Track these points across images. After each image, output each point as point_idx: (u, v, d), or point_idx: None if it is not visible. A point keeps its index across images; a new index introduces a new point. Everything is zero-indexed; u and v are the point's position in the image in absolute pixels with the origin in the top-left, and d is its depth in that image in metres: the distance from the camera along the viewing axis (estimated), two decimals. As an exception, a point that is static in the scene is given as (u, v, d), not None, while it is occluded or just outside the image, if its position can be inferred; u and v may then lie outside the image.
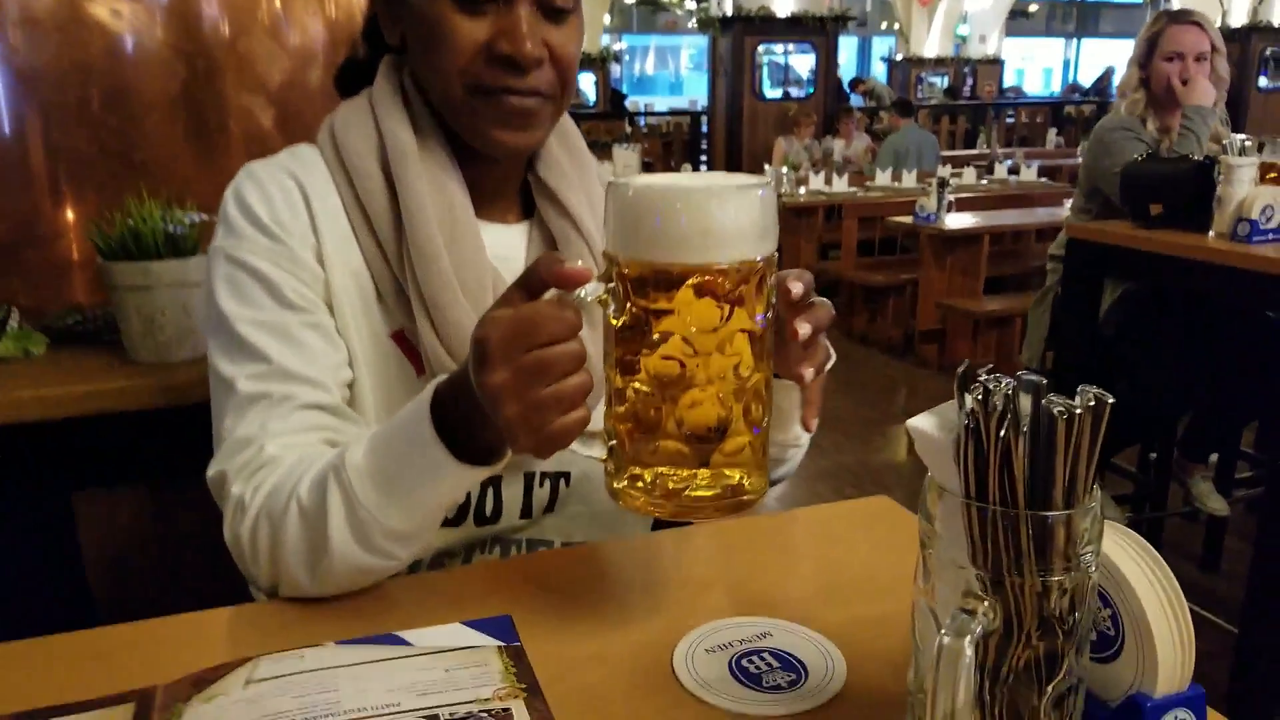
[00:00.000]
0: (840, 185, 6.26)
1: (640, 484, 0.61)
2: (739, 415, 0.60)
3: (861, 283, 5.52)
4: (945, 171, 6.10)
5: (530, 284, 0.62)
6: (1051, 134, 10.70)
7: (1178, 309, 2.47)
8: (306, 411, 0.79)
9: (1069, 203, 5.23)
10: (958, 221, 4.86)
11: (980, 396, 0.42)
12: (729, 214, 0.56)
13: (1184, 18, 2.64)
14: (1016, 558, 0.43)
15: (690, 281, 0.57)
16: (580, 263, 0.60)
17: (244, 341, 0.80)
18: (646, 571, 0.78)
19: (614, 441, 0.62)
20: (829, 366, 0.71)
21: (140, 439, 1.24)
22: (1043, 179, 6.76)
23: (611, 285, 0.59)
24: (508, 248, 0.91)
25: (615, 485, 0.63)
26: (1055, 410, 0.41)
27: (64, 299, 1.38)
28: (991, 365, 0.44)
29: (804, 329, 0.63)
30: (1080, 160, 2.92)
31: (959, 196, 5.23)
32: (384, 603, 0.73)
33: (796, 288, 0.63)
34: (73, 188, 1.36)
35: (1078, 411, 0.41)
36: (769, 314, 0.60)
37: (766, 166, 6.65)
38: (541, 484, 0.90)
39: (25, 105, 1.32)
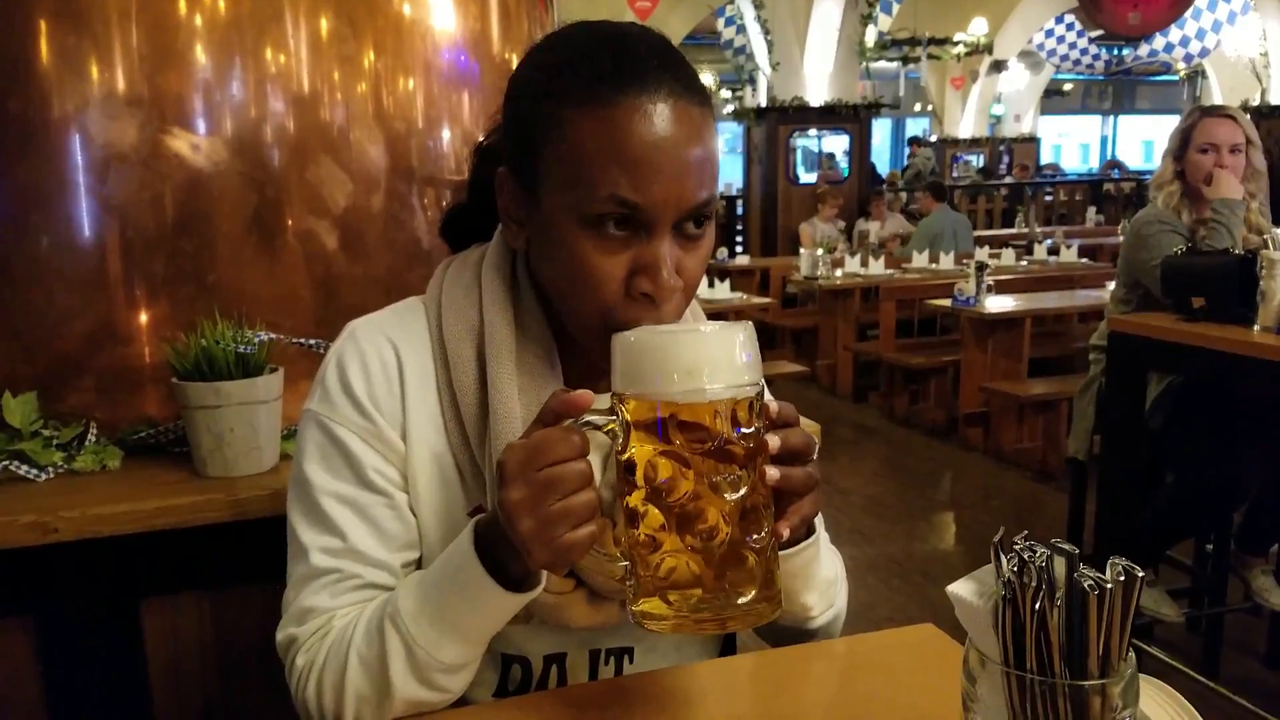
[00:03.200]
0: (876, 267, 6.31)
1: (655, 601, 0.66)
2: (740, 531, 0.65)
3: (902, 364, 5.52)
4: (983, 254, 6.12)
5: (544, 417, 0.70)
6: (1091, 212, 10.70)
7: (1225, 401, 2.44)
8: (371, 590, 0.86)
9: (1111, 284, 5.23)
10: (998, 305, 4.86)
11: (1016, 567, 0.45)
12: (711, 352, 0.65)
13: (1218, 111, 2.67)
14: (1056, 722, 0.45)
15: (683, 410, 0.64)
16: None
17: (323, 513, 0.86)
18: (690, 704, 0.80)
19: (627, 563, 0.68)
20: (805, 495, 0.72)
21: (206, 550, 1.29)
22: (1083, 259, 6.75)
23: (615, 418, 0.67)
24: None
25: (633, 606, 0.68)
26: (1086, 585, 0.43)
27: (137, 410, 1.45)
28: (1026, 534, 0.47)
29: (773, 441, 0.68)
30: (1121, 240, 2.96)
31: (998, 279, 5.25)
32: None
33: (773, 407, 0.70)
34: (148, 306, 1.44)
35: (1108, 586, 0.43)
36: (758, 434, 0.67)
37: (803, 250, 6.72)
38: (606, 661, 0.92)
39: (108, 233, 1.41)
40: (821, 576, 0.90)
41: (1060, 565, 0.46)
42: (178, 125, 1.40)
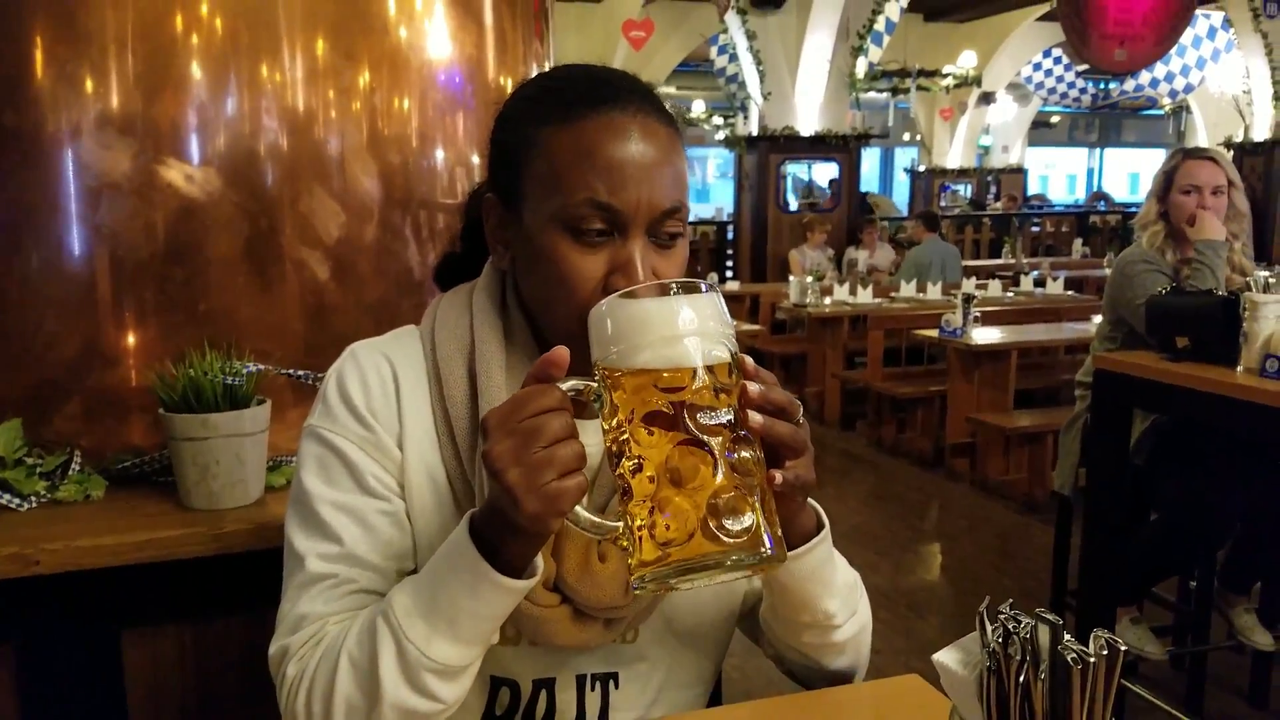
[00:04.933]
0: (865, 296, 6.35)
1: (655, 563, 0.66)
2: (731, 482, 0.65)
3: (889, 393, 5.54)
4: (970, 285, 6.16)
5: (526, 385, 0.71)
6: (1077, 244, 10.80)
7: (1209, 440, 2.46)
8: (367, 596, 0.86)
9: (1096, 318, 5.27)
10: (985, 336, 4.90)
11: (1000, 637, 0.45)
12: (685, 314, 0.67)
13: (1200, 153, 2.72)
14: (1040, 793, 0.45)
15: (663, 373, 0.66)
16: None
17: (321, 520, 0.87)
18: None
19: (623, 524, 0.68)
20: (798, 456, 0.73)
21: (190, 582, 1.28)
22: (1069, 292, 6.81)
23: (593, 383, 0.69)
24: (584, 442, 0.95)
25: (634, 573, 0.67)
26: (1070, 658, 0.44)
27: (123, 439, 1.44)
28: (1011, 601, 0.47)
29: (752, 387, 0.70)
30: (1107, 275, 3.01)
31: (985, 310, 5.29)
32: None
33: (749, 363, 0.71)
34: (138, 334, 1.44)
35: (1091, 660, 0.44)
36: (738, 388, 0.68)
37: (792, 278, 6.76)
38: (593, 687, 0.93)
39: (98, 260, 1.41)
40: (839, 581, 0.90)
41: (1045, 634, 0.46)
42: (171, 155, 1.40)
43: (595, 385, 0.69)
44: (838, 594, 0.89)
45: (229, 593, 1.31)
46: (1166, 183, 2.67)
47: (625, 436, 0.67)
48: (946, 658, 0.48)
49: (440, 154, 1.61)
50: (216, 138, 1.42)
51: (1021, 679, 0.44)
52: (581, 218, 0.81)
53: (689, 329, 0.66)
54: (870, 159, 16.79)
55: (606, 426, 0.68)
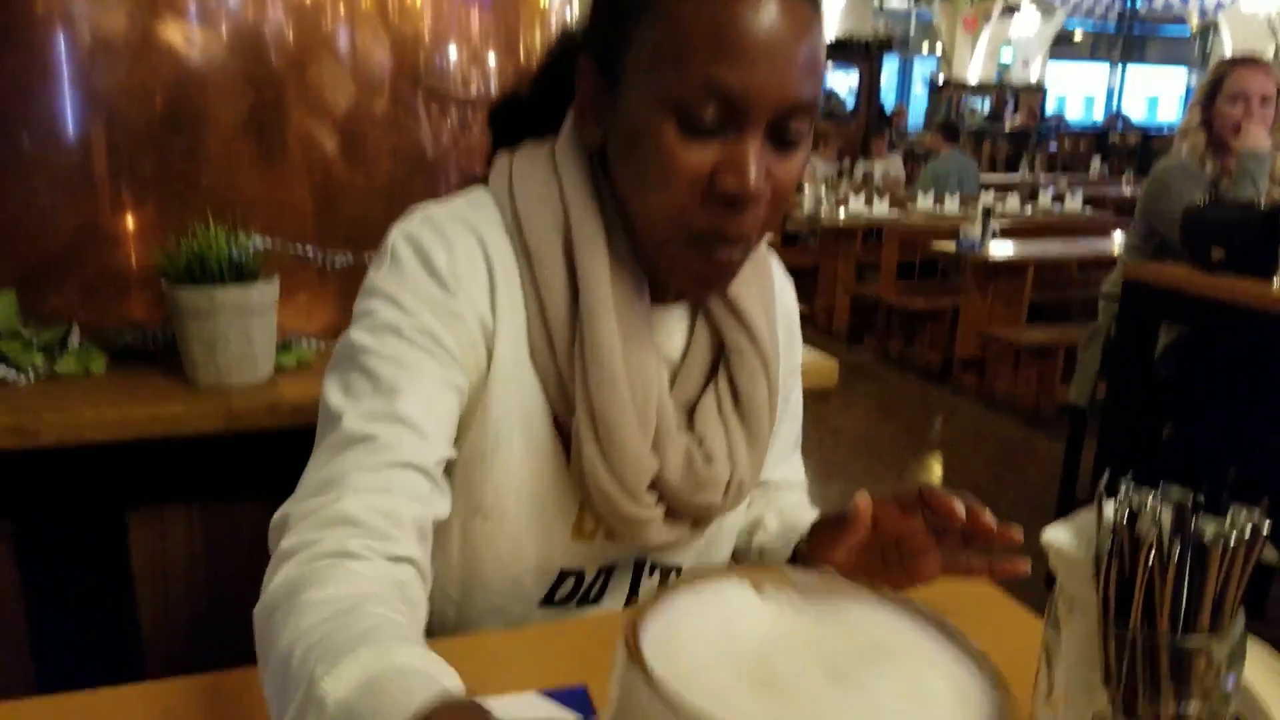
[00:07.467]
0: (881, 208, 6.21)
1: None
2: None
3: (901, 307, 5.47)
4: (990, 198, 6.02)
5: None
6: (1096, 161, 10.58)
7: (1235, 355, 2.41)
8: (403, 471, 0.71)
9: (1115, 234, 5.16)
10: (1002, 250, 4.80)
11: (1125, 518, 0.40)
12: None
13: (1251, 61, 2.59)
14: (1154, 683, 0.40)
15: None
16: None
17: (371, 373, 0.73)
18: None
19: None
20: None
21: (196, 461, 1.24)
22: (1087, 207, 6.67)
23: None
24: (666, 332, 0.85)
25: None
26: (1207, 538, 0.38)
27: (123, 315, 1.38)
28: (1132, 473, 0.42)
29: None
30: (1129, 192, 2.90)
31: (1002, 224, 5.17)
32: (451, 664, 0.71)
33: (959, 509, 0.70)
34: (136, 207, 1.37)
35: (1233, 544, 0.38)
36: None
37: (806, 186, 6.61)
38: (651, 574, 0.88)
39: (93, 126, 1.33)
40: None
41: (1167, 514, 0.41)
42: (170, 14, 1.31)
43: None
44: None
45: (237, 475, 1.27)
46: (1212, 90, 2.55)
47: None
48: (1057, 537, 0.43)
49: (456, 25, 1.51)
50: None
51: (1150, 561, 0.39)
52: (696, 103, 0.68)
53: None
54: (889, 69, 16.33)
55: None
